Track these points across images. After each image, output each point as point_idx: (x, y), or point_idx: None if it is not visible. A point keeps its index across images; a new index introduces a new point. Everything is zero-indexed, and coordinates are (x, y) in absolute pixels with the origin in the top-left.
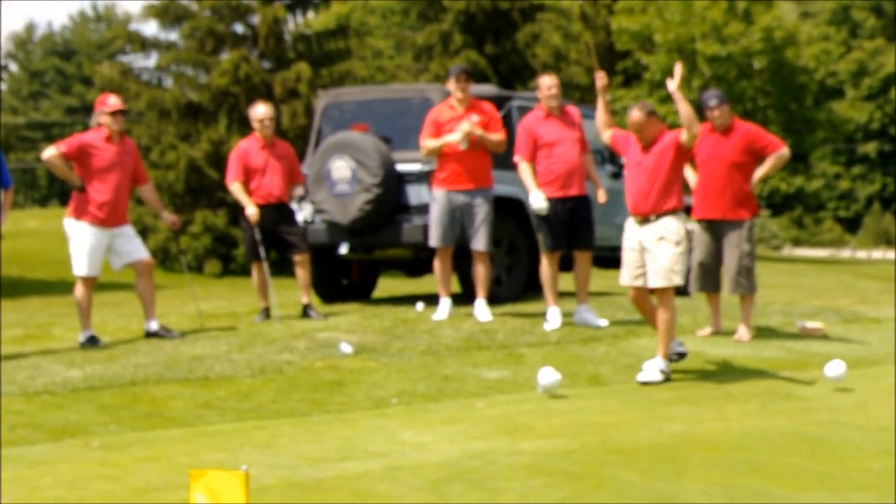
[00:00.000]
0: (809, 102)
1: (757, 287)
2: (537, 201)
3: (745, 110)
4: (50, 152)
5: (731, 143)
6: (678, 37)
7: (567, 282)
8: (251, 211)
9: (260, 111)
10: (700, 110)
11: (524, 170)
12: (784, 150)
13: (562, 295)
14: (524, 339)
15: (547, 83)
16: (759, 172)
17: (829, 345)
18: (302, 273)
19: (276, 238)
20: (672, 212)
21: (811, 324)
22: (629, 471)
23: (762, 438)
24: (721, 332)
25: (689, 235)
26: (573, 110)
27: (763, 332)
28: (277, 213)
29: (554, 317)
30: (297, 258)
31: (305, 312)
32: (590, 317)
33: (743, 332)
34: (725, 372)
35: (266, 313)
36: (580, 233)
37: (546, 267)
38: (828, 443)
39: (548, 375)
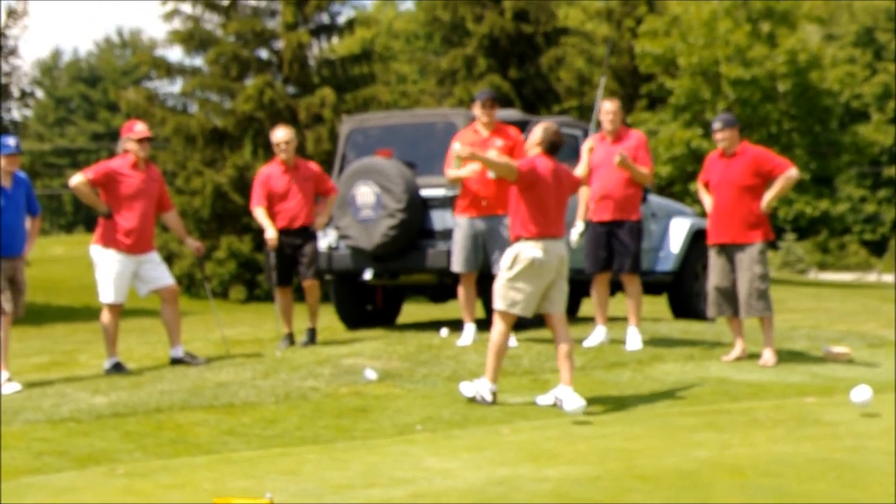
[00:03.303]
0: (834, 125)
1: (772, 309)
2: (571, 233)
3: (769, 133)
4: (77, 179)
5: (739, 166)
6: (702, 60)
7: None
8: (269, 235)
9: (278, 135)
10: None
11: (580, 194)
12: (792, 171)
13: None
14: (549, 364)
15: (606, 107)
16: (769, 195)
17: (855, 369)
18: (309, 299)
19: (295, 263)
20: (516, 239)
21: (837, 348)
22: (654, 497)
23: (789, 464)
24: (745, 357)
25: (530, 265)
26: (633, 135)
27: (789, 357)
28: (299, 237)
29: (595, 335)
30: (305, 284)
31: (309, 336)
32: (633, 339)
33: (768, 357)
34: (751, 397)
35: (290, 339)
36: (617, 257)
37: (593, 288)
38: (855, 469)
39: (572, 402)
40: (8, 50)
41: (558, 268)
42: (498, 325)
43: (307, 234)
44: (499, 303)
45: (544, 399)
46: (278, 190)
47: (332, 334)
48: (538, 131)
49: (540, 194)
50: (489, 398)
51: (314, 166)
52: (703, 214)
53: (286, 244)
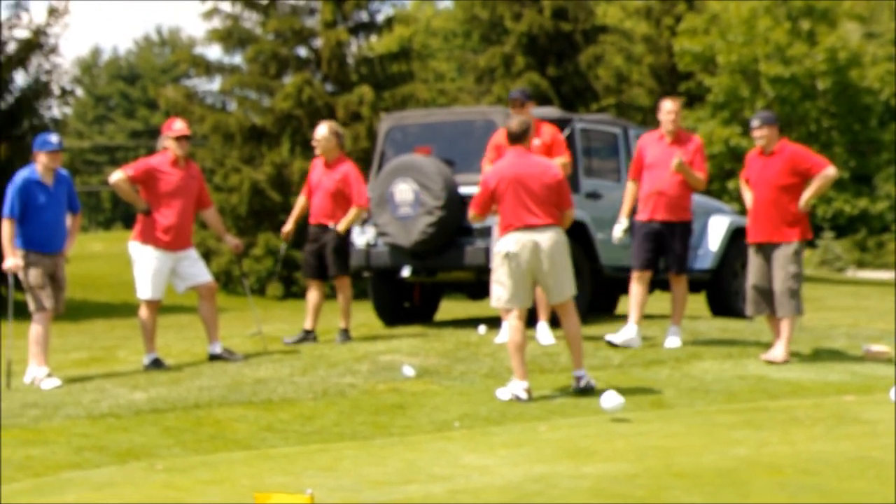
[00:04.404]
0: (874, 123)
1: (802, 310)
2: (615, 230)
3: (808, 132)
4: (117, 176)
5: (777, 165)
6: (741, 58)
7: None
8: (285, 228)
9: (315, 132)
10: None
11: (626, 190)
12: (829, 170)
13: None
14: (586, 362)
15: (667, 107)
16: (807, 194)
17: (894, 368)
18: (339, 297)
19: (322, 259)
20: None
21: (876, 347)
22: (693, 495)
23: (828, 462)
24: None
25: (504, 259)
26: (692, 139)
27: (828, 356)
28: (320, 233)
29: (625, 331)
30: (334, 282)
31: (342, 337)
32: (673, 337)
33: (778, 353)
34: (790, 395)
35: (305, 335)
36: (666, 258)
37: (632, 284)
38: (893, 467)
39: (611, 399)
40: (49, 48)
41: (537, 256)
42: (506, 323)
43: (326, 231)
44: (491, 300)
45: (582, 382)
46: (313, 183)
47: (370, 331)
48: None
49: (506, 195)
50: (524, 396)
51: (348, 170)
52: (742, 212)
53: (310, 237)
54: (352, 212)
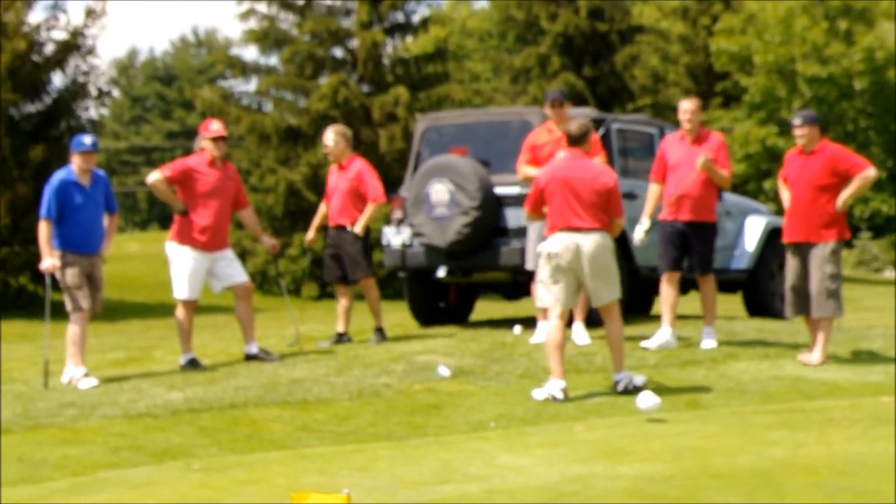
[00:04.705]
0: None
1: (842, 311)
2: (636, 231)
3: (845, 131)
4: (155, 176)
5: (817, 165)
6: (778, 58)
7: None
8: (308, 236)
9: (323, 140)
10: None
11: (649, 192)
12: (869, 171)
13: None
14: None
15: (684, 107)
16: (844, 195)
17: None
18: (367, 299)
19: (342, 262)
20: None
21: None
22: (729, 496)
23: (864, 463)
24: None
25: (547, 259)
26: (712, 137)
27: (865, 357)
28: (337, 236)
29: (660, 335)
30: (360, 285)
31: (377, 337)
32: (708, 339)
33: (814, 357)
34: (826, 396)
35: (338, 339)
36: (691, 258)
37: (662, 286)
38: None
39: (647, 399)
40: (86, 49)
41: (578, 258)
42: (542, 323)
43: (344, 233)
44: (535, 300)
45: (620, 385)
46: (329, 188)
47: (405, 331)
48: None
49: (554, 196)
50: (560, 395)
51: (361, 167)
52: (779, 212)
53: (328, 242)
54: (368, 209)
